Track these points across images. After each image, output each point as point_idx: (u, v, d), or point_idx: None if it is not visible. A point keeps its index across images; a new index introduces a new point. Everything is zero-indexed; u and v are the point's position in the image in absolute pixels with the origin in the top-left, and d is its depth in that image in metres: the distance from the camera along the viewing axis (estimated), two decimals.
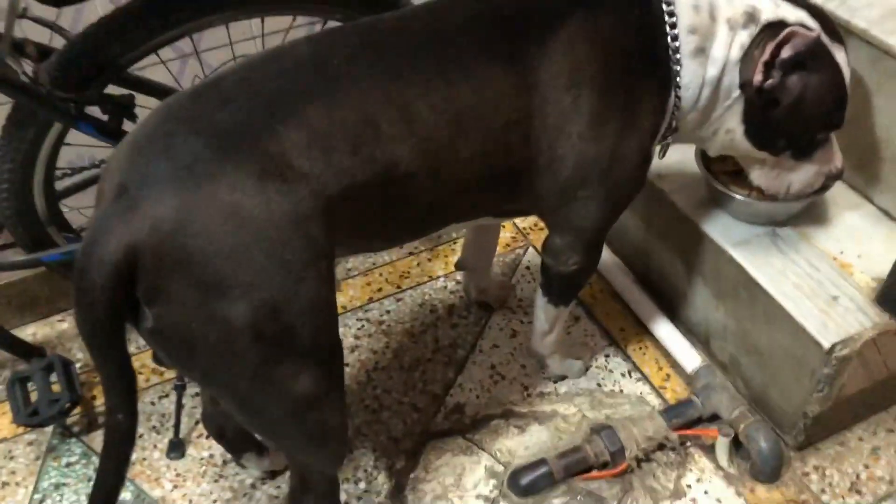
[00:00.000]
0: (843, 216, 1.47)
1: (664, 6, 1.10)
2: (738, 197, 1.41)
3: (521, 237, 1.88)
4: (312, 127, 0.92)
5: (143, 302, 0.89)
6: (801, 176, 1.28)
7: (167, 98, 0.98)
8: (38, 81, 1.15)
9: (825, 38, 1.14)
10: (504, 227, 1.88)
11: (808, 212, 1.46)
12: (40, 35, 1.23)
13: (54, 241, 1.43)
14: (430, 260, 1.83)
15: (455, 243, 1.86)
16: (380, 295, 1.76)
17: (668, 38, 1.11)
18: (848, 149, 1.49)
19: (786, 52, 1.10)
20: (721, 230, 1.44)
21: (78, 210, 1.49)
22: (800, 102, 1.14)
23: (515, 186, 1.11)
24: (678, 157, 1.59)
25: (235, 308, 0.88)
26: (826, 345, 1.26)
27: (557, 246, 1.22)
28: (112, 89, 1.25)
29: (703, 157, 1.48)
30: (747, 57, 1.13)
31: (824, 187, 1.34)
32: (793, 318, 1.31)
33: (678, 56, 1.12)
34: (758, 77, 1.12)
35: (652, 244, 1.64)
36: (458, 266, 1.65)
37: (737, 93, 1.16)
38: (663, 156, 1.29)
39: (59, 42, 1.21)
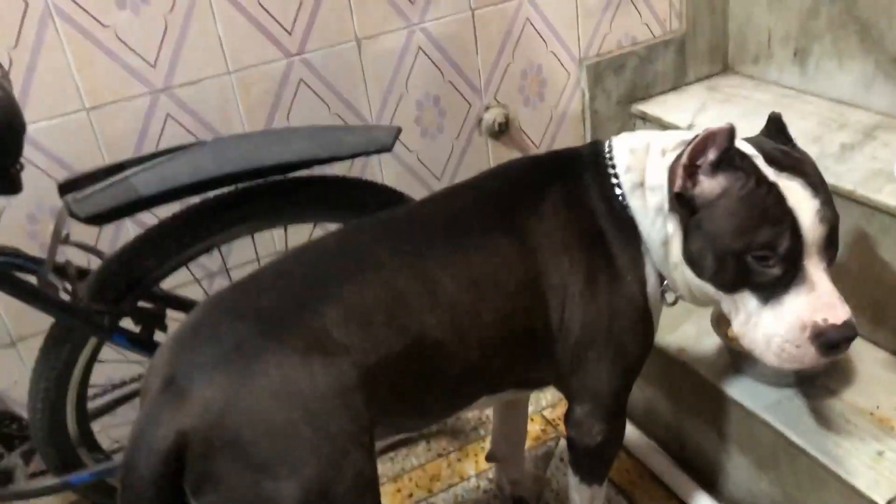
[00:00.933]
0: (871, 371, 1.46)
1: (607, 159, 1.17)
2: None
3: (550, 429, 1.85)
4: (348, 303, 0.98)
5: (191, 492, 0.89)
6: (778, 327, 1.03)
7: (208, 297, 1.04)
8: (77, 298, 1.22)
9: (762, 164, 1.05)
10: (532, 419, 1.86)
11: (833, 369, 1.45)
12: (78, 257, 1.32)
13: (84, 462, 1.43)
14: (459, 460, 1.79)
15: (484, 441, 1.83)
16: (411, 501, 1.70)
17: (616, 187, 1.16)
18: (861, 305, 1.52)
19: (710, 154, 1.03)
20: (749, 395, 1.43)
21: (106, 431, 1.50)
22: (714, 206, 1.04)
23: (535, 350, 1.14)
24: (696, 329, 1.62)
25: (285, 487, 0.88)
26: (881, 502, 1.21)
27: (578, 416, 1.21)
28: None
29: (718, 323, 1.50)
30: (671, 171, 1.09)
31: (831, 347, 1.03)
32: (841, 478, 1.26)
33: (624, 198, 1.15)
34: (678, 183, 1.06)
35: (683, 420, 1.61)
36: (489, 458, 1.61)
37: (672, 217, 1.11)
38: (673, 303, 1.24)
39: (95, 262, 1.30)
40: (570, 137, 1.96)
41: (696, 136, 1.04)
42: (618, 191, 1.16)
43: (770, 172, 1.05)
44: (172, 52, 1.49)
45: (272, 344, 0.92)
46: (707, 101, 1.93)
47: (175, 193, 1.18)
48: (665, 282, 1.19)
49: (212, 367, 0.90)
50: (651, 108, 1.96)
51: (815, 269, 1.03)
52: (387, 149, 1.33)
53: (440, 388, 1.08)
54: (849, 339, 1.03)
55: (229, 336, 0.93)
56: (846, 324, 1.02)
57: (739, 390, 1.45)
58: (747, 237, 1.02)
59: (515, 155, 1.90)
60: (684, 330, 1.64)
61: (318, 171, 1.32)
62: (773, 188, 1.03)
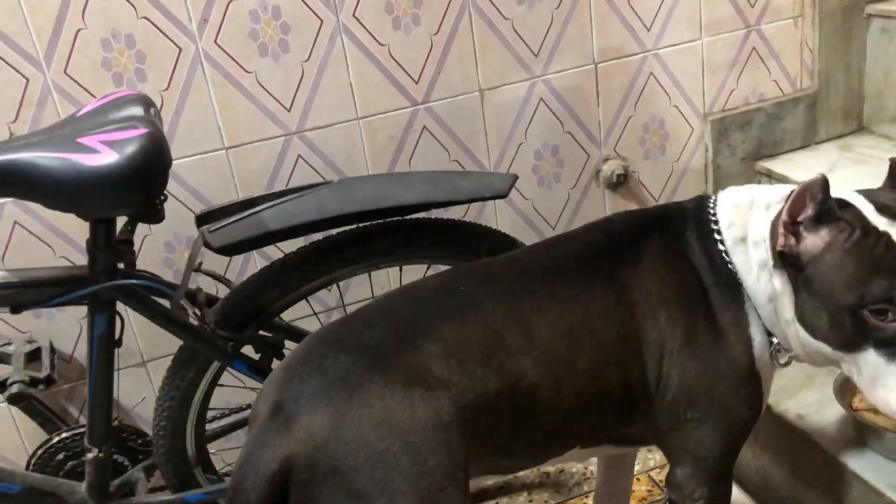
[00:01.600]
0: None
1: (710, 213, 1.15)
2: (889, 432, 1.33)
3: (657, 490, 1.79)
4: (448, 340, 1.00)
5: None
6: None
7: (316, 330, 1.09)
8: (205, 323, 1.29)
9: (872, 213, 1.01)
10: (639, 479, 1.80)
11: None
12: (208, 286, 1.41)
13: (199, 482, 1.50)
14: None
15: (587, 497, 1.79)
16: None
17: (719, 243, 1.13)
18: None
19: (809, 209, 0.99)
20: (874, 470, 1.34)
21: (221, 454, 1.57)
22: (820, 262, 1.00)
23: (630, 405, 1.12)
24: (818, 396, 1.54)
25: None
26: None
27: (679, 478, 1.17)
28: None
29: (842, 391, 1.43)
30: (773, 229, 1.06)
31: None
32: None
33: (727, 252, 1.11)
34: (780, 240, 1.02)
35: (800, 492, 1.52)
36: None
37: (778, 273, 1.06)
38: (786, 364, 1.17)
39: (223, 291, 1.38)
40: (692, 192, 1.92)
41: (793, 190, 1.00)
42: (720, 246, 1.13)
43: (881, 221, 1.00)
44: (307, 98, 1.58)
45: (375, 376, 0.95)
46: (838, 161, 1.86)
47: (301, 229, 1.25)
48: (776, 341, 1.14)
49: (317, 396, 0.94)
50: (777, 165, 1.91)
51: None
52: (502, 195, 1.36)
53: (533, 432, 1.07)
54: None
55: (335, 367, 0.96)
56: None
57: (863, 465, 1.36)
58: (859, 290, 0.97)
59: (631, 205, 1.89)
60: (804, 396, 1.56)
61: (435, 214, 1.37)
62: (883, 237, 0.98)
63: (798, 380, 1.61)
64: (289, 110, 1.58)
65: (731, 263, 1.12)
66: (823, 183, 0.98)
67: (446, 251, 1.40)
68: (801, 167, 1.88)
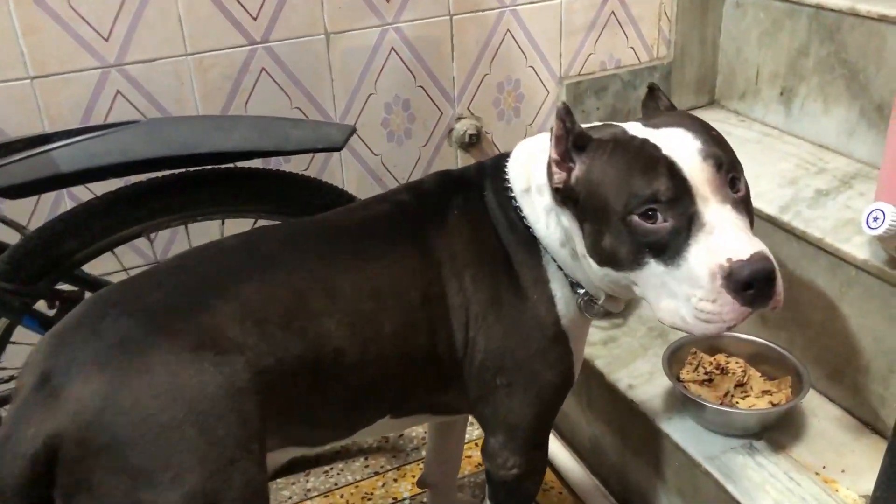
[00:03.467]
0: (823, 428, 1.39)
1: (503, 170, 1.12)
2: (709, 405, 1.35)
3: None
4: (245, 301, 0.92)
5: (62, 503, 0.82)
6: (687, 285, 0.92)
7: (97, 292, 0.97)
8: None
9: (635, 128, 1.00)
10: (476, 444, 1.78)
11: (785, 423, 1.38)
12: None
13: None
14: (395, 480, 1.72)
15: (423, 462, 1.75)
16: None
17: (512, 199, 1.10)
18: (820, 359, 1.45)
19: (567, 140, 0.98)
20: (695, 443, 1.36)
21: None
22: (588, 184, 0.98)
23: (440, 371, 1.08)
24: (649, 367, 1.55)
25: (166, 497, 0.82)
26: None
27: (493, 447, 1.14)
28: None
29: (671, 363, 1.44)
30: (548, 170, 1.03)
31: (748, 287, 0.89)
32: None
33: (518, 206, 1.09)
34: (555, 179, 1.01)
35: (629, 461, 1.54)
36: (421, 483, 1.54)
37: (561, 211, 1.04)
38: (603, 316, 1.15)
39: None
40: None
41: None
42: (513, 202, 1.10)
43: (641, 132, 0.98)
44: (128, 27, 1.42)
45: (160, 339, 0.85)
46: None
47: (98, 173, 1.11)
48: (583, 291, 1.09)
49: (91, 363, 0.83)
50: None
51: (713, 211, 0.91)
52: (336, 147, 1.27)
53: (338, 399, 1.01)
54: (764, 275, 0.89)
55: (113, 331, 0.86)
56: (755, 257, 0.88)
57: (685, 437, 1.38)
58: (623, 194, 0.93)
59: None
60: (637, 366, 1.57)
61: (274, 164, 1.26)
62: (643, 142, 0.95)
63: (633, 349, 1.62)
64: (107, 40, 1.42)
65: (524, 217, 1.08)
66: (566, 110, 0.97)
67: (273, 205, 1.30)
68: None
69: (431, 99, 1.72)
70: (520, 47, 1.76)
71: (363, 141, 1.68)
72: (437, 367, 1.08)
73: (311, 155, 1.64)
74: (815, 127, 1.76)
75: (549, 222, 1.06)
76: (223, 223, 1.33)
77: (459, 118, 1.77)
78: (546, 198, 1.05)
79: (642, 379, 1.53)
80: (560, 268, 1.08)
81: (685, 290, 0.92)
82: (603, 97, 1.89)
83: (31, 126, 1.41)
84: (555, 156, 1.00)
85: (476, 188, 1.13)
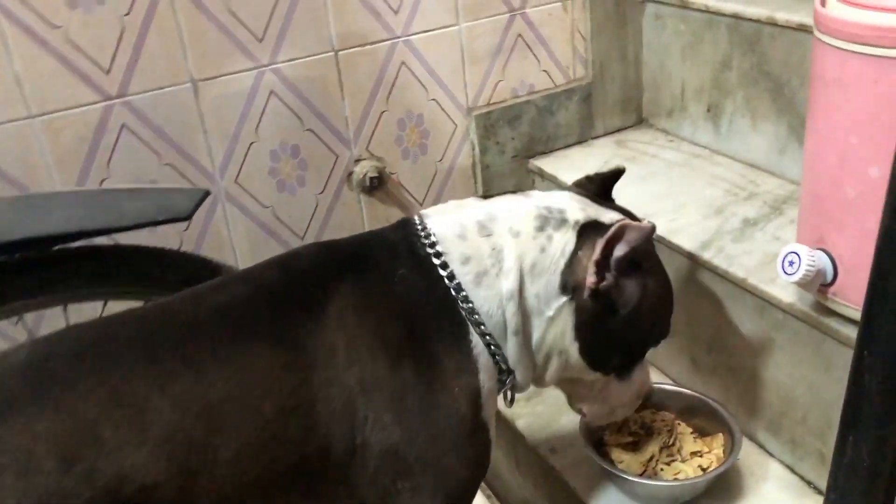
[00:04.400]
0: (763, 490, 1.25)
1: (428, 249, 0.98)
2: (629, 479, 1.20)
3: None
4: (10, 442, 0.75)
5: None
6: (623, 397, 1.13)
7: None
8: None
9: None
10: None
11: (720, 486, 1.24)
12: None
13: None
14: None
15: None
16: None
17: (445, 280, 0.97)
18: (756, 410, 1.31)
19: (620, 250, 0.97)
20: None
21: None
22: (639, 308, 1.03)
23: (317, 485, 0.91)
24: (574, 426, 1.40)
25: None
26: None
27: None
28: None
29: (589, 429, 1.29)
30: (574, 260, 1.00)
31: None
32: None
33: (463, 293, 0.98)
34: (591, 279, 0.98)
35: None
36: None
37: (559, 302, 1.00)
38: (510, 403, 1.08)
39: None
40: (460, 194, 1.74)
41: (614, 226, 0.97)
42: (448, 282, 0.97)
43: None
44: None
45: None
46: (611, 159, 1.73)
47: None
48: (512, 379, 1.02)
49: None
50: (549, 164, 1.75)
51: None
52: (182, 217, 1.11)
53: None
54: None
55: None
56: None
57: None
58: (661, 330, 1.10)
59: (393, 213, 1.69)
60: (561, 426, 1.43)
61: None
62: (664, 271, 1.09)
63: (557, 405, 1.46)
64: None
65: (467, 302, 0.97)
66: (652, 231, 0.99)
67: (118, 285, 1.15)
68: (573, 165, 1.73)
69: (324, 142, 1.57)
70: (418, 80, 1.62)
71: (249, 193, 1.53)
72: (308, 482, 0.90)
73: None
74: (745, 145, 1.62)
75: (507, 309, 0.98)
76: (65, 309, 1.18)
77: (358, 160, 1.62)
78: (510, 282, 0.98)
79: (566, 441, 1.38)
80: (494, 356, 0.99)
81: (620, 398, 1.13)
82: (517, 126, 1.74)
83: None
84: (600, 257, 0.97)
85: (378, 266, 0.98)
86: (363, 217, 1.66)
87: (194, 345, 0.87)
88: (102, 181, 1.40)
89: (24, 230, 1.02)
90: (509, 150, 1.75)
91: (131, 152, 1.41)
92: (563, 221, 1.01)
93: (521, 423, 1.45)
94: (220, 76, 1.44)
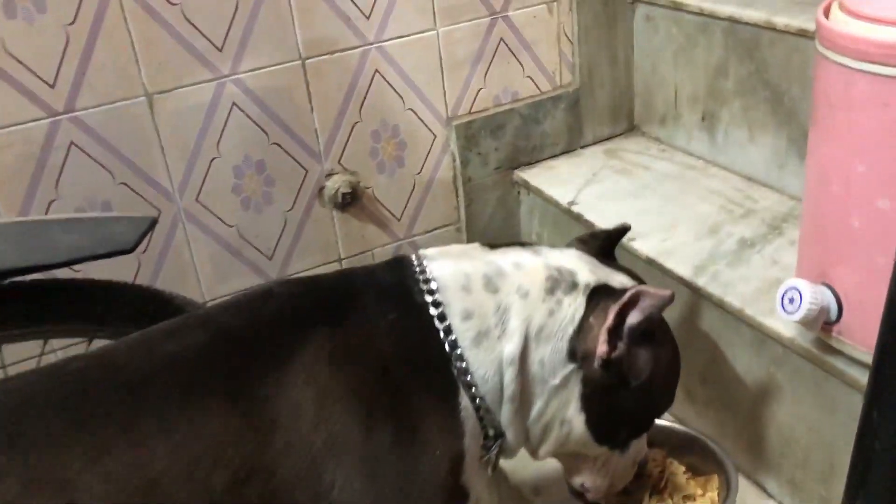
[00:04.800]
0: None
1: (426, 296, 0.89)
2: None
3: None
4: None
5: None
6: (621, 469, 1.06)
7: None
8: None
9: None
10: None
11: None
12: None
13: None
14: None
15: None
16: None
17: (441, 334, 0.88)
18: (755, 448, 1.22)
19: (634, 318, 0.90)
20: None
21: None
22: (651, 379, 0.96)
23: None
24: (558, 465, 1.31)
25: None
26: None
27: None
28: None
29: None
30: (584, 326, 0.92)
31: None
32: None
33: (458, 351, 0.89)
34: (602, 347, 0.90)
35: None
36: None
37: (566, 370, 0.92)
38: (493, 469, 0.98)
39: None
40: (441, 209, 1.65)
41: (628, 292, 0.89)
42: (441, 336, 0.88)
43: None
44: None
45: None
46: (600, 171, 1.63)
47: None
48: (504, 441, 0.94)
49: None
50: (535, 176, 1.65)
51: None
52: (126, 249, 1.02)
53: None
54: None
55: None
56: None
57: None
58: (671, 399, 1.05)
59: (370, 230, 1.59)
60: (547, 463, 1.33)
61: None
62: (673, 340, 1.03)
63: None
64: None
65: (462, 360, 0.88)
66: (670, 300, 0.91)
67: (59, 322, 1.05)
68: (559, 177, 1.63)
69: (291, 156, 1.47)
70: (394, 88, 1.51)
71: (212, 212, 1.43)
72: None
73: (148, 237, 1.39)
74: (742, 157, 1.52)
75: (506, 374, 0.90)
76: None
77: (330, 174, 1.52)
78: (512, 346, 0.89)
79: (550, 481, 1.29)
80: (482, 420, 0.90)
81: (620, 471, 1.06)
82: (501, 136, 1.64)
83: None
84: (612, 324, 0.90)
85: (361, 307, 0.89)
86: (336, 234, 1.56)
87: (136, 408, 0.77)
88: (50, 203, 1.31)
89: None
90: (492, 162, 1.65)
91: (82, 172, 1.31)
92: (573, 285, 0.93)
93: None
94: (177, 88, 1.33)
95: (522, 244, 1.00)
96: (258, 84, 1.39)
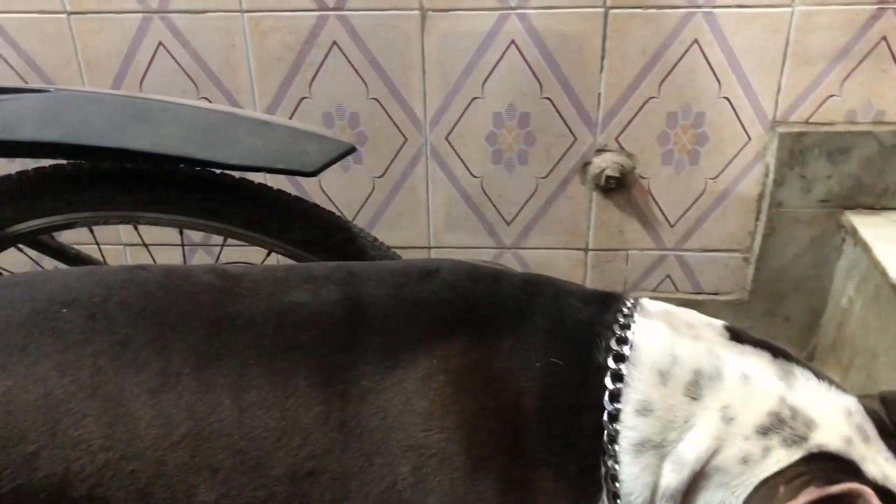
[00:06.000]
0: None
1: (611, 362, 0.66)
2: None
3: None
4: None
5: None
6: None
7: None
8: None
9: None
10: None
11: None
12: None
13: None
14: None
15: None
16: None
17: (605, 416, 0.65)
18: None
19: None
20: None
21: None
22: None
23: None
24: None
25: None
26: None
27: None
28: None
29: None
30: (768, 486, 0.64)
31: None
32: None
33: (615, 448, 0.66)
34: None
35: None
36: None
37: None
38: None
39: None
40: (731, 228, 1.32)
41: (845, 486, 0.60)
42: (604, 419, 0.66)
43: None
44: None
45: None
46: None
47: None
48: None
49: None
50: (872, 226, 1.24)
51: None
52: (307, 172, 0.90)
53: None
54: None
55: None
56: None
57: None
58: None
59: (631, 226, 1.33)
60: None
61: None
62: None
63: None
64: None
65: (614, 460, 0.67)
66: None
67: (230, 225, 0.99)
68: None
69: (562, 117, 1.25)
70: (711, 68, 1.20)
71: (459, 156, 1.28)
72: None
73: (388, 162, 1.29)
74: None
75: (643, 477, 0.68)
76: (181, 233, 1.05)
77: (601, 150, 1.27)
78: (678, 479, 0.66)
79: None
80: None
81: None
82: (841, 162, 1.24)
83: (68, 66, 1.25)
84: None
85: (522, 333, 0.69)
86: (590, 220, 1.32)
87: (219, 352, 0.66)
88: (300, 100, 1.26)
89: (116, 139, 0.88)
90: (818, 192, 1.26)
91: (338, 76, 1.23)
92: (800, 438, 0.64)
93: None
94: (454, 10, 1.18)
95: (785, 355, 0.69)
96: (546, 24, 1.18)
